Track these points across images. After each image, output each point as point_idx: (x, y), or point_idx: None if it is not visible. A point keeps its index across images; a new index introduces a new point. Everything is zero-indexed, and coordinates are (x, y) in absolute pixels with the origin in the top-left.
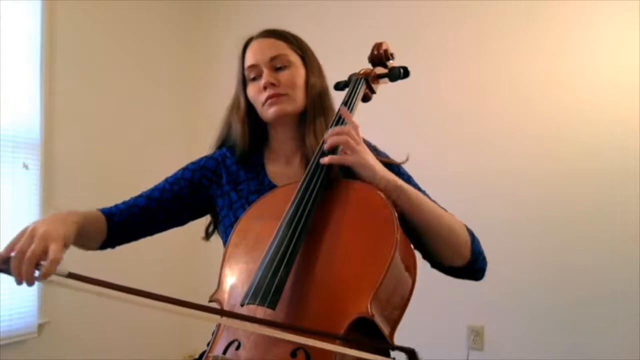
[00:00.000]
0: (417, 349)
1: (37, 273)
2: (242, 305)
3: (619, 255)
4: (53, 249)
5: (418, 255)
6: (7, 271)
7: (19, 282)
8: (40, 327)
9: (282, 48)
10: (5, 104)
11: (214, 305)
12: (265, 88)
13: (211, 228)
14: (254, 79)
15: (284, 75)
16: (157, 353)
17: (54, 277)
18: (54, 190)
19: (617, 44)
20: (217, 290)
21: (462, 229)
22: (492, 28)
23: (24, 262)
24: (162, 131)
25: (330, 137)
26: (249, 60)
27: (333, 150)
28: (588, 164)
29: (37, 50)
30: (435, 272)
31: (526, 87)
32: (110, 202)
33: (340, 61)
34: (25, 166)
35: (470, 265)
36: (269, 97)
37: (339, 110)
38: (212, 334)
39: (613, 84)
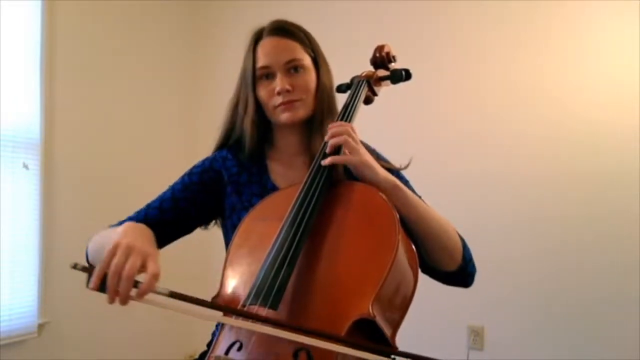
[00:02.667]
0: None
1: (133, 292)
2: (244, 306)
3: (619, 255)
4: (152, 263)
5: None
6: (101, 290)
7: (112, 301)
8: (40, 327)
9: (296, 51)
10: (5, 104)
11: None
12: (279, 93)
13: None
14: (265, 80)
15: (297, 80)
16: (157, 353)
17: (152, 296)
18: (54, 190)
19: (618, 44)
20: (219, 292)
21: (455, 234)
22: (492, 29)
23: (122, 278)
24: (162, 131)
25: (331, 138)
26: (261, 60)
27: (334, 151)
28: (588, 164)
29: (37, 50)
30: None
31: (526, 88)
32: (109, 202)
33: (342, 63)
34: (25, 166)
35: (462, 270)
36: (282, 103)
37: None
38: (213, 335)
39: (613, 84)
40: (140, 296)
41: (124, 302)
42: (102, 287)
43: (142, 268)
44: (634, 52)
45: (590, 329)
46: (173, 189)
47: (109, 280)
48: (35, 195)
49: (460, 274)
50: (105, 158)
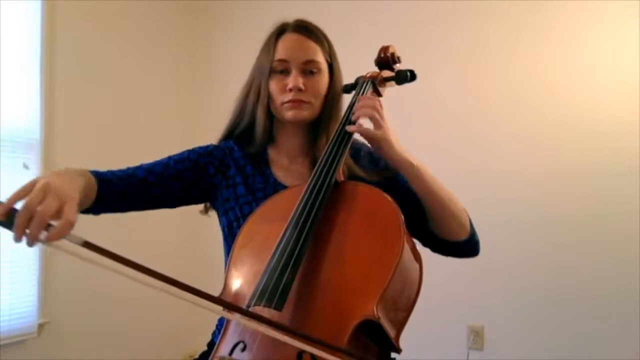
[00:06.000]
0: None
1: (43, 234)
2: (248, 306)
3: (619, 255)
4: (69, 208)
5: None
6: (7, 225)
7: (19, 240)
8: (40, 327)
9: (317, 53)
10: (5, 104)
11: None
12: (290, 90)
13: (209, 204)
14: (280, 73)
15: (311, 82)
16: (157, 353)
17: (63, 242)
18: None
19: (618, 43)
20: (222, 292)
21: (462, 206)
22: (492, 28)
23: (34, 218)
24: (161, 131)
25: (360, 109)
26: (281, 53)
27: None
28: (588, 164)
29: (37, 50)
30: (435, 273)
31: (526, 87)
32: None
33: (345, 63)
34: (25, 166)
35: (472, 237)
36: (291, 101)
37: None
38: (213, 335)
39: (613, 84)
40: (49, 240)
41: (31, 243)
42: (8, 223)
43: (58, 213)
44: (634, 51)
45: (590, 328)
46: (170, 157)
47: (20, 217)
48: None
49: (471, 241)
50: (105, 158)
